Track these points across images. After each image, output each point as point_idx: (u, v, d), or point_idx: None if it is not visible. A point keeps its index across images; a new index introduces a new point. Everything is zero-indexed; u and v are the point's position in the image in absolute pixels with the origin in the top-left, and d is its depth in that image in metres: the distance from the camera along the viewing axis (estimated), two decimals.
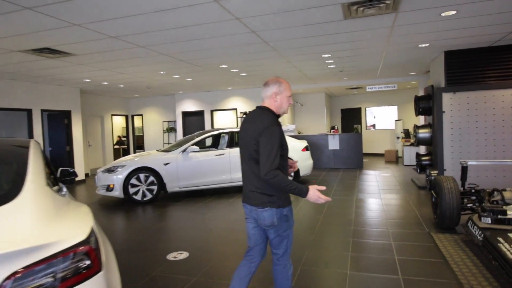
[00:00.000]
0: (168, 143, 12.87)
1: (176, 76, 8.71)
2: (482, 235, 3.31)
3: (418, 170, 7.35)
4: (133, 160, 6.93)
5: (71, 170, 3.04)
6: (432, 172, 6.38)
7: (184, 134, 12.47)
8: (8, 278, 1.28)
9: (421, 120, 9.85)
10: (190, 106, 12.84)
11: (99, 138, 12.35)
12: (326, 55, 6.82)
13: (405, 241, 4.11)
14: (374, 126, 15.00)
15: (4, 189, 1.79)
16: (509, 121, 5.91)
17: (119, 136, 14.04)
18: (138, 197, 6.69)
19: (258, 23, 4.54)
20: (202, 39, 5.21)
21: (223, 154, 7.24)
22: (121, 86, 9.99)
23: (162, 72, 8.03)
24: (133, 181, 6.65)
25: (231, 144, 7.55)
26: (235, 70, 8.19)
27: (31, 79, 8.22)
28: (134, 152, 13.52)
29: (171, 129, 13.44)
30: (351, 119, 15.30)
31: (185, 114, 12.96)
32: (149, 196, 6.75)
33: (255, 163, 2.19)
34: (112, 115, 12.89)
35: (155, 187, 6.77)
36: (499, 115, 5.96)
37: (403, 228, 4.60)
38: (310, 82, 10.91)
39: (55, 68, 6.90)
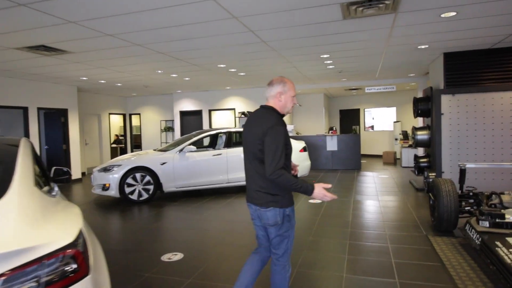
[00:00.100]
0: (166, 143, 12.82)
1: (174, 75, 8.65)
2: (480, 239, 3.27)
3: (416, 172, 7.33)
4: (129, 160, 6.88)
5: (65, 169, 2.99)
6: (430, 174, 6.34)
7: (182, 134, 12.41)
8: None
9: (419, 122, 9.83)
10: (188, 105, 12.79)
11: (96, 137, 12.29)
12: (325, 56, 6.78)
13: (402, 244, 4.08)
14: (372, 127, 14.97)
15: None
16: (508, 124, 5.89)
17: (116, 135, 13.97)
18: (134, 196, 6.64)
19: (256, 22, 4.48)
20: (198, 38, 5.15)
21: (220, 154, 7.20)
22: (119, 84, 9.92)
23: (159, 71, 7.98)
24: (129, 180, 6.60)
25: (228, 144, 7.50)
26: (233, 70, 8.15)
27: (27, 77, 8.15)
28: (132, 151, 13.46)
29: (169, 129, 13.39)
30: (349, 120, 15.27)
31: (183, 114, 12.92)
32: (145, 195, 6.70)
33: (259, 163, 2.19)
34: (110, 113, 12.83)
35: (151, 187, 6.72)
36: (498, 117, 5.94)
37: (400, 231, 4.56)
38: (309, 83, 10.87)
39: (52, 66, 6.84)
